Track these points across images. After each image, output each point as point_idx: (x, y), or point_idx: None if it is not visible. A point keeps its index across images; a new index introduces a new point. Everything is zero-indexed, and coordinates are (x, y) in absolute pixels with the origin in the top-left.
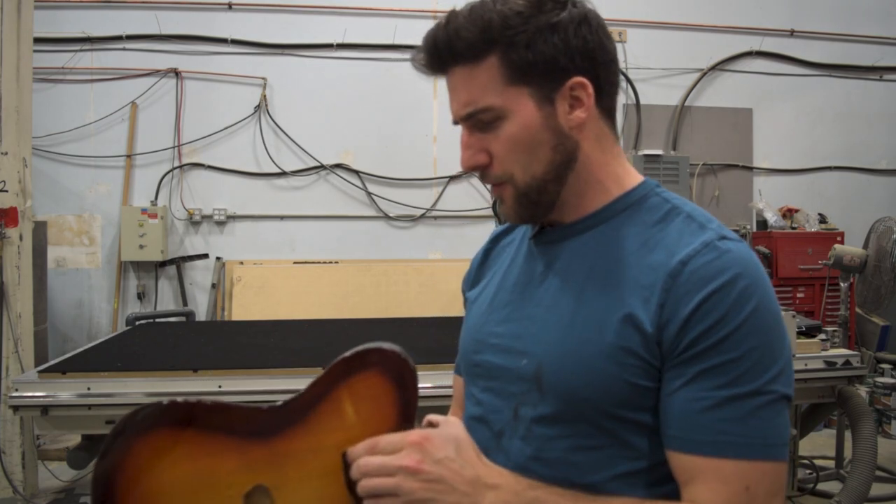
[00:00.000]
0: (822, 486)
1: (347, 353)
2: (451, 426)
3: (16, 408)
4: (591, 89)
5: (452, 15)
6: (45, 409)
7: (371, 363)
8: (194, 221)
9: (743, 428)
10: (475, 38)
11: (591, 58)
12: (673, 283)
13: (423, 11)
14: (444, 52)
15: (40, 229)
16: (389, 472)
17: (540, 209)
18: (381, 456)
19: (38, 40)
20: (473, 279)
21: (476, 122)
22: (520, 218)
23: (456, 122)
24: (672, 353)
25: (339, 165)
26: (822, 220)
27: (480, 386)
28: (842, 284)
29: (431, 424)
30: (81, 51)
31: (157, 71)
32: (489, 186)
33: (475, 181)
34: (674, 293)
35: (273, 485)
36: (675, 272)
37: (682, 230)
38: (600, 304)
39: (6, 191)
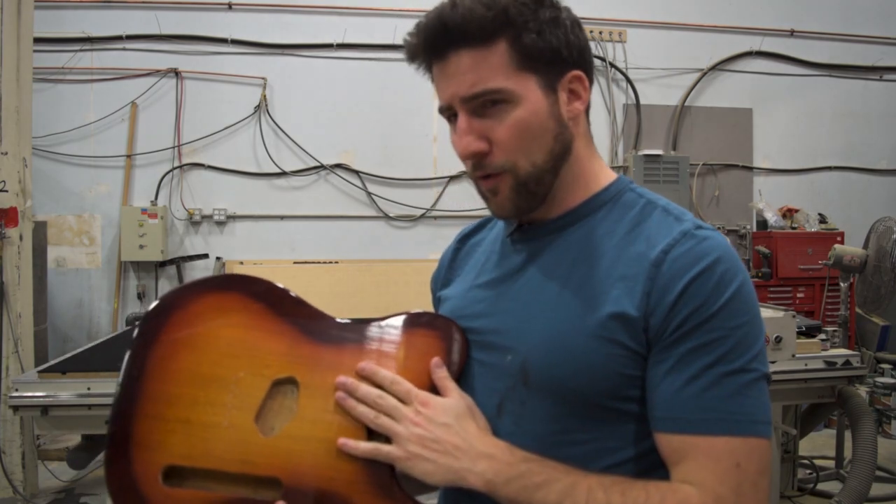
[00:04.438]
0: (822, 486)
1: (422, 310)
2: (456, 398)
3: (16, 408)
4: (587, 83)
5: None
6: (45, 409)
7: (437, 327)
8: (194, 221)
9: (731, 405)
10: (489, 20)
11: (584, 56)
12: (657, 271)
13: (422, 11)
14: (454, 32)
15: (40, 229)
16: (391, 414)
17: (535, 201)
18: (388, 396)
19: (38, 40)
20: (444, 279)
21: (479, 105)
22: (516, 210)
23: (445, 111)
24: (659, 338)
25: (339, 165)
26: (822, 220)
27: (461, 383)
28: (842, 284)
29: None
30: (81, 51)
31: (157, 71)
32: (477, 179)
33: None
34: (659, 281)
35: (305, 383)
36: (657, 261)
37: (659, 223)
38: (584, 296)
39: (6, 191)
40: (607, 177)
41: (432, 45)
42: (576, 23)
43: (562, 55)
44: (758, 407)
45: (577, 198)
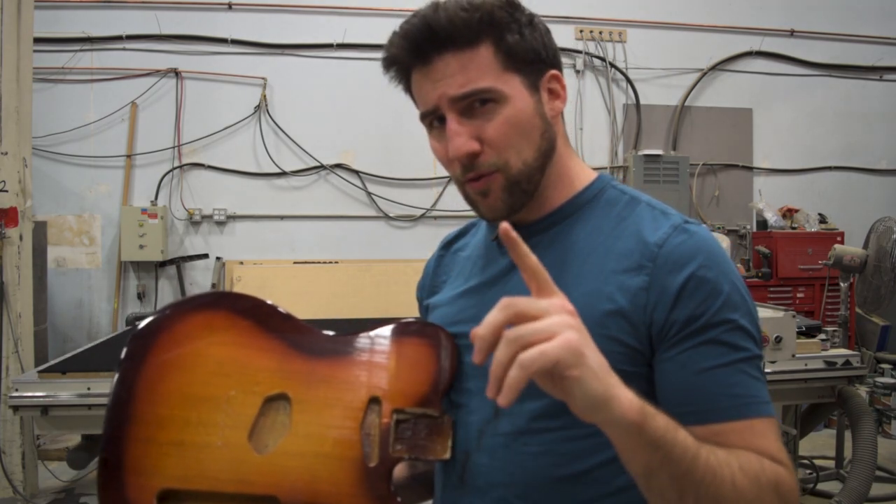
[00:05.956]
0: (822, 486)
1: (412, 319)
2: None
3: (16, 408)
4: (564, 83)
5: (438, 4)
6: (45, 409)
7: (426, 334)
8: (194, 221)
9: (750, 389)
10: (474, 21)
11: (558, 58)
12: (653, 265)
13: None
14: (440, 34)
15: (40, 229)
16: (541, 310)
17: (526, 199)
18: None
19: (38, 40)
20: (430, 287)
21: (467, 106)
22: (508, 209)
23: (427, 116)
24: (666, 334)
25: (339, 165)
26: (822, 220)
27: (455, 388)
28: (842, 284)
29: None
30: (81, 51)
31: (157, 71)
32: (465, 182)
33: None
34: (657, 275)
35: (297, 398)
36: (652, 255)
37: (646, 217)
38: (577, 295)
39: (6, 191)
40: (588, 175)
41: (417, 49)
42: (546, 28)
43: (541, 55)
44: (764, 388)
45: (561, 197)
